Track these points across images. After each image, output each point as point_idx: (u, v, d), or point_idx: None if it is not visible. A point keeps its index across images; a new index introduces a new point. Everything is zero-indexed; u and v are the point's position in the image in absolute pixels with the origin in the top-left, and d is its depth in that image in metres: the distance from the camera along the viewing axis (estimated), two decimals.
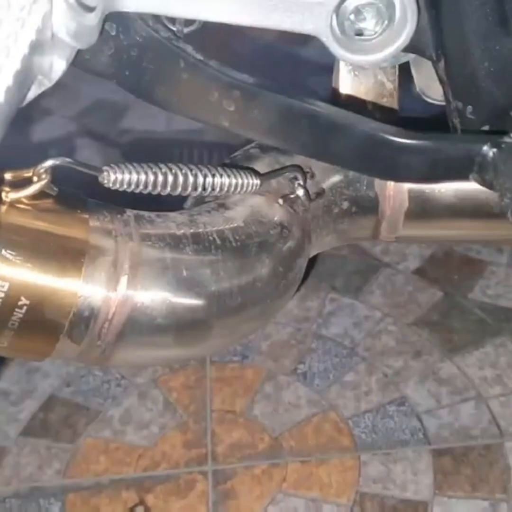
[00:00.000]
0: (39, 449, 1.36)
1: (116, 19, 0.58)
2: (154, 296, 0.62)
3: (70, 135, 2.00)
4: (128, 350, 0.63)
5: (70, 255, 0.58)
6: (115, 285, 0.60)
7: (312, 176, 0.77)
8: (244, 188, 0.68)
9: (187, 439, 1.38)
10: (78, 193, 0.62)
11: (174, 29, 0.61)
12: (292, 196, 0.74)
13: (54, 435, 1.39)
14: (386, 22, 0.57)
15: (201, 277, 0.64)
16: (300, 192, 0.74)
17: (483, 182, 0.63)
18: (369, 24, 0.57)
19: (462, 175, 0.64)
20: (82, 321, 0.59)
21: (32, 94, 0.47)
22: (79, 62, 0.61)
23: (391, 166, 0.60)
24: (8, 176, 0.58)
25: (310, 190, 0.76)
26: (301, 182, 0.74)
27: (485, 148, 0.62)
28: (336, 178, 0.77)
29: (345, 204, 0.80)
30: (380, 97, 0.72)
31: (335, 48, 0.57)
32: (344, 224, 0.81)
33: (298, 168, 0.74)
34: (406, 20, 0.56)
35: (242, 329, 0.69)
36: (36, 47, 0.43)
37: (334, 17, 0.56)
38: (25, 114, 0.53)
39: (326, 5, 0.55)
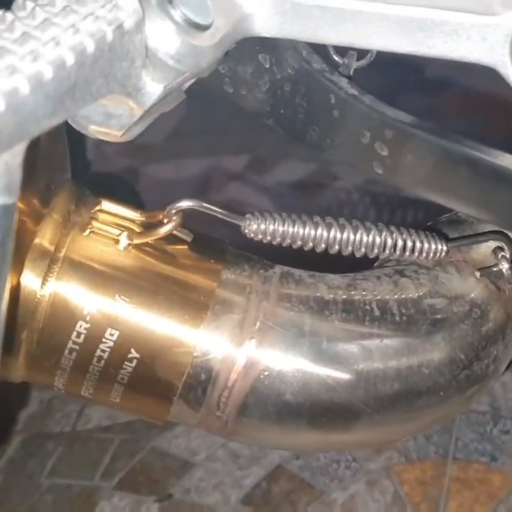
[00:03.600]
0: None
1: (270, 50, 0.52)
2: (284, 367, 0.53)
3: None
4: (254, 427, 0.55)
5: (191, 307, 0.52)
6: (239, 348, 0.52)
7: None
8: (424, 254, 0.57)
9: None
10: (219, 241, 0.56)
11: (341, 62, 0.53)
12: (495, 269, 0.61)
13: (274, 508, 1.32)
14: None
15: (346, 352, 0.54)
16: (505, 265, 0.61)
17: None
18: None
19: None
20: (199, 384, 0.53)
21: (118, 122, 0.42)
22: (236, 98, 0.56)
23: None
24: (138, 216, 0.54)
25: None
26: (507, 254, 0.61)
27: None
28: None
29: None
30: None
31: None
32: None
33: (504, 235, 0.61)
34: None
35: (400, 425, 0.57)
36: (108, 51, 0.38)
37: None
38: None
39: (504, 29, 0.44)
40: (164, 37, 0.42)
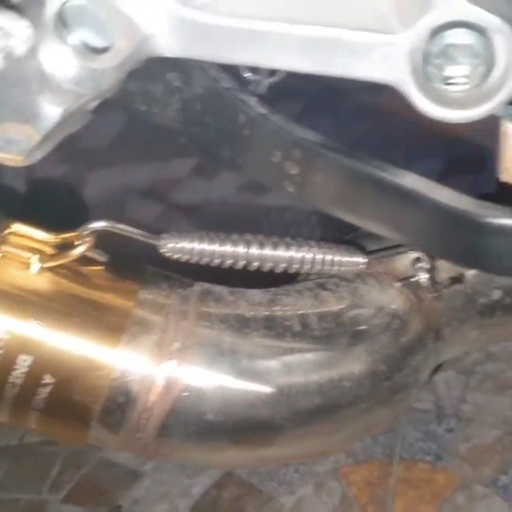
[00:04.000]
0: None
1: (178, 69, 0.52)
2: (204, 386, 0.53)
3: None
4: (176, 447, 0.54)
5: (106, 329, 0.52)
6: (158, 369, 0.52)
7: None
8: (343, 267, 0.58)
9: None
10: (137, 260, 0.56)
11: (253, 78, 0.53)
12: (414, 280, 0.62)
13: None
14: (483, 67, 0.44)
15: (266, 368, 0.54)
16: (423, 276, 0.62)
17: None
18: (461, 70, 0.45)
19: None
20: (117, 407, 0.52)
21: (17, 148, 0.41)
22: (149, 116, 0.55)
23: (471, 251, 0.46)
24: (51, 238, 0.53)
25: (445, 273, 0.63)
26: (425, 265, 0.61)
27: None
28: None
29: (497, 294, 0.65)
30: None
31: (417, 100, 0.45)
32: (496, 318, 0.66)
33: None
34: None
35: (324, 438, 0.57)
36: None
37: (416, 61, 0.44)
38: None
39: (404, 48, 0.44)
40: (61, 62, 0.41)
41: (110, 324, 0.52)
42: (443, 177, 0.51)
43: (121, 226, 0.52)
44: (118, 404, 0.52)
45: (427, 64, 0.45)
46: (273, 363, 0.54)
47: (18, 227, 0.53)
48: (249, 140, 0.50)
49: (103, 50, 0.43)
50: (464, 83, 0.45)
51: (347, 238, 0.64)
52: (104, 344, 0.51)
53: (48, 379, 0.51)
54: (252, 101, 0.50)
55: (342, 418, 0.56)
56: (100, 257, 0.53)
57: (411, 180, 0.46)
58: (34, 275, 0.51)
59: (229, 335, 0.54)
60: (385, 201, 0.46)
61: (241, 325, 0.54)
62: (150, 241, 0.54)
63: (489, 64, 0.44)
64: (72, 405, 0.51)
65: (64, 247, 0.52)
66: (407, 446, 1.35)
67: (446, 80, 0.45)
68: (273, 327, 0.55)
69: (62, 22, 0.42)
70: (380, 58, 0.45)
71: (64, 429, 0.53)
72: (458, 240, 0.47)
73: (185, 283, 0.56)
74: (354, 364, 0.56)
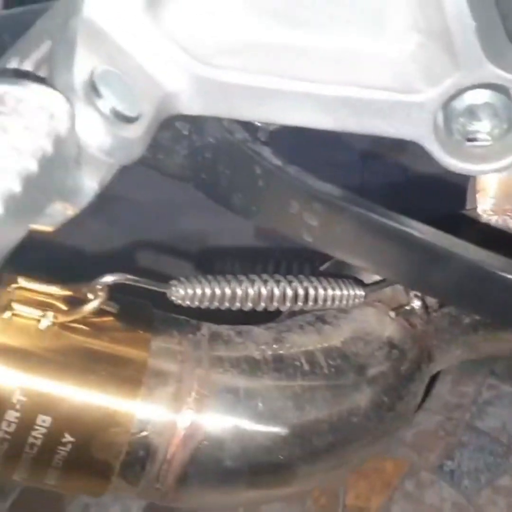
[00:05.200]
0: None
1: (188, 119, 0.51)
2: (222, 433, 0.53)
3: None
4: (194, 495, 0.54)
5: (124, 384, 0.51)
6: (176, 421, 0.52)
7: None
8: (344, 301, 0.59)
9: None
10: (145, 307, 0.55)
11: (260, 125, 0.53)
12: (407, 307, 0.63)
13: None
14: (505, 125, 0.45)
15: (281, 410, 0.54)
16: (416, 303, 0.63)
17: None
18: (483, 126, 0.46)
19: None
20: (137, 461, 0.52)
21: (51, 221, 0.40)
22: (153, 162, 0.55)
23: (502, 308, 0.48)
24: (60, 291, 0.52)
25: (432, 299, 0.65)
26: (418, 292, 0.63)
27: None
28: None
29: None
30: None
31: (440, 156, 0.46)
32: (478, 337, 0.69)
33: None
34: None
35: (331, 473, 0.58)
36: (49, 165, 0.36)
37: (439, 119, 0.45)
38: None
39: (428, 107, 0.45)
40: (94, 133, 0.40)
41: (127, 378, 0.51)
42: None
43: (132, 277, 0.52)
44: (138, 458, 0.51)
45: (449, 121, 0.46)
46: (286, 404, 0.54)
47: (25, 281, 0.51)
48: (265, 191, 0.50)
49: (133, 119, 0.42)
50: (486, 139, 0.46)
51: (323, 268, 0.65)
52: (122, 400, 0.51)
53: (67, 437, 0.50)
54: (266, 152, 0.50)
55: (351, 451, 0.58)
56: (111, 308, 0.52)
57: (431, 234, 0.47)
58: (47, 331, 0.50)
59: (243, 380, 0.54)
60: (410, 256, 0.48)
61: (252, 368, 0.55)
62: (161, 289, 0.53)
63: (510, 120, 0.45)
64: (92, 461, 0.51)
65: (75, 301, 0.51)
66: None
67: (468, 137, 0.46)
68: (282, 368, 0.55)
69: (92, 89, 0.41)
70: (403, 116, 0.45)
71: (84, 485, 0.52)
72: (488, 297, 0.48)
73: (194, 326, 0.56)
74: (360, 398, 0.57)
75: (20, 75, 0.39)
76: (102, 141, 0.40)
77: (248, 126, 0.52)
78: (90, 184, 0.40)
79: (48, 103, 0.37)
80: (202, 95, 0.45)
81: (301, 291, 0.57)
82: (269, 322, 0.59)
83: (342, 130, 0.46)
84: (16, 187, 0.33)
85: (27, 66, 0.44)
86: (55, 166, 0.37)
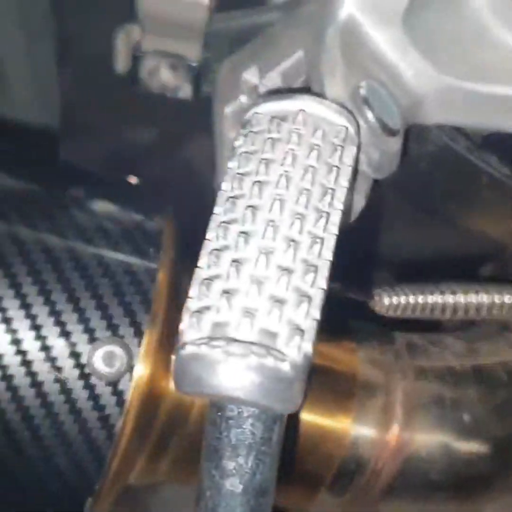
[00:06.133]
0: None
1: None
2: (430, 446, 0.52)
3: None
4: (394, 507, 0.53)
5: (338, 398, 0.50)
6: (387, 433, 0.51)
7: None
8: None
9: None
10: (344, 316, 0.54)
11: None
12: None
13: None
14: None
15: (485, 423, 0.53)
16: None
17: None
18: None
19: None
20: (347, 474, 0.51)
21: None
22: None
23: None
24: None
25: None
26: None
27: None
28: None
29: None
30: None
31: None
32: None
33: None
34: None
35: None
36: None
37: None
38: None
39: None
40: (363, 147, 0.39)
41: (341, 392, 0.50)
42: None
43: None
44: (349, 471, 0.51)
45: None
46: (489, 416, 0.53)
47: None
48: (489, 201, 0.49)
49: (396, 132, 0.41)
50: None
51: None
52: (337, 414, 0.50)
53: None
54: (493, 160, 0.48)
55: None
56: None
57: None
58: None
59: (448, 391, 0.53)
60: None
61: (454, 379, 0.53)
62: (362, 299, 0.52)
63: None
64: (304, 475, 0.50)
65: None
66: None
67: None
68: (482, 379, 0.54)
69: (363, 101, 0.39)
70: None
71: (292, 495, 0.52)
72: None
73: (389, 336, 0.55)
74: None
75: (302, 92, 0.37)
76: (370, 156, 0.39)
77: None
78: (358, 199, 0.39)
79: (340, 121, 0.36)
80: (445, 104, 0.44)
81: (497, 300, 0.55)
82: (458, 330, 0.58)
83: None
84: None
85: (274, 76, 0.43)
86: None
